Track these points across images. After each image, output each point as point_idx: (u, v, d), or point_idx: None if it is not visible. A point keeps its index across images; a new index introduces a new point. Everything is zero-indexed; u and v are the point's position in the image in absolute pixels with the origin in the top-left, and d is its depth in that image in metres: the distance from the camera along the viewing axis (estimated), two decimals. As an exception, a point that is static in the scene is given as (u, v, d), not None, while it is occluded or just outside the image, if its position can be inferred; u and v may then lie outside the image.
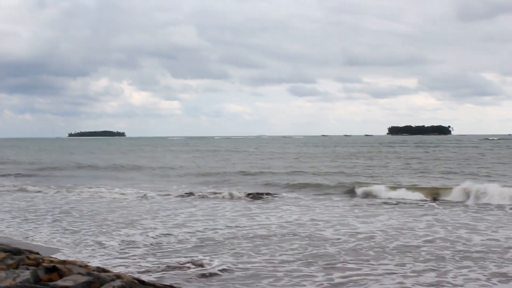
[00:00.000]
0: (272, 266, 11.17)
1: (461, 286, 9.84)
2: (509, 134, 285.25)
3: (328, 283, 9.96)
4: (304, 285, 9.85)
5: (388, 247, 13.06)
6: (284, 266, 11.17)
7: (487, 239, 13.88)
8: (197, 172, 38.00)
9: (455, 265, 11.24)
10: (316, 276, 10.40)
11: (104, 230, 15.45)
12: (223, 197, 23.65)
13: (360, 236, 14.47)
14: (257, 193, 24.34)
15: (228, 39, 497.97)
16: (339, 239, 14.09)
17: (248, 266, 11.19)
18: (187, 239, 14.11)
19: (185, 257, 11.96)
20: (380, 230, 15.26)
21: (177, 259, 11.70)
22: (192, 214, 18.67)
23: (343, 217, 17.87)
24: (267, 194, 24.24)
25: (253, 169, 40.36)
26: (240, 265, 11.23)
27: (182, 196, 24.33)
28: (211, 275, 10.45)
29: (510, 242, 13.56)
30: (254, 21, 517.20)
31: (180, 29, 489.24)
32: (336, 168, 40.45)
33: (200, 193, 24.97)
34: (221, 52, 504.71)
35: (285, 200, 22.80)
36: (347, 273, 10.69)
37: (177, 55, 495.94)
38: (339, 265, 11.34)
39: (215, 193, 24.86)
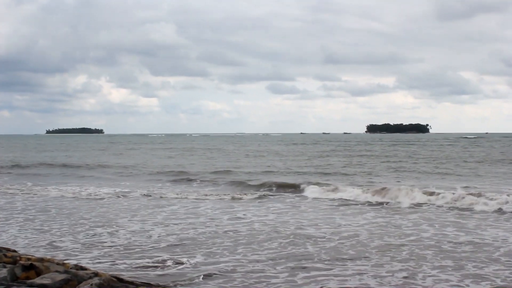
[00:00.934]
0: (234, 266, 10.95)
1: (427, 287, 9.75)
2: (486, 133, 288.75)
3: (287, 285, 9.78)
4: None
5: (369, 246, 13.07)
6: (249, 266, 10.97)
7: (473, 238, 13.96)
8: (176, 170, 37.62)
9: (432, 265, 11.14)
10: (277, 277, 10.22)
11: (78, 229, 15.27)
12: (204, 196, 23.51)
13: (344, 234, 14.48)
14: (240, 192, 24.43)
15: (207, 36, 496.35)
16: (323, 237, 14.07)
17: (210, 267, 10.91)
18: (164, 238, 14.05)
19: (150, 256, 11.90)
20: (365, 229, 15.30)
21: (141, 260, 11.59)
22: (173, 213, 18.64)
23: (330, 215, 17.97)
24: (249, 192, 24.32)
25: (230, 167, 40.26)
26: (203, 266, 10.98)
27: (162, 195, 24.18)
28: (165, 275, 10.29)
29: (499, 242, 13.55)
30: (234, 19, 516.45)
31: (159, 27, 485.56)
32: (314, 168, 40.66)
33: (181, 191, 25.03)
34: (200, 50, 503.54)
35: (269, 198, 22.84)
36: (314, 273, 10.47)
37: (156, 53, 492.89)
38: (310, 265, 11.16)
39: (195, 191, 24.87)
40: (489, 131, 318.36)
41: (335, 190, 24.19)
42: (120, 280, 7.63)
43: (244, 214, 18.23)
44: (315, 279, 10.15)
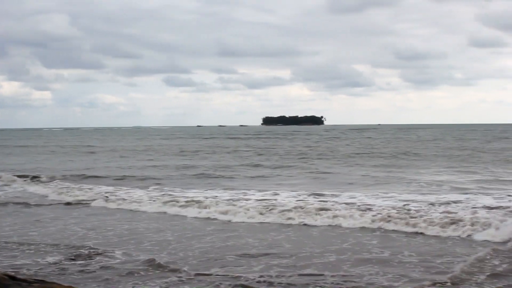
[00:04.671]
0: (145, 266, 10.54)
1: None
2: (379, 124, 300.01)
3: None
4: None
5: (312, 235, 13.27)
6: (141, 268, 10.47)
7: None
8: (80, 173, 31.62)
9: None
10: (161, 277, 9.83)
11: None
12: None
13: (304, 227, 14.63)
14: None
15: (101, 28, 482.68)
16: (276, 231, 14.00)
17: (114, 266, 10.61)
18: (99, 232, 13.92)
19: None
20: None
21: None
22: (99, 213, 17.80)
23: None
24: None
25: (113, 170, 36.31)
26: (101, 264, 10.67)
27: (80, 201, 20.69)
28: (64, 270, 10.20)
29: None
30: (128, 11, 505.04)
31: (51, 17, 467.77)
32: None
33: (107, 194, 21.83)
34: (94, 42, 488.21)
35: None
36: (213, 270, 10.14)
37: (48, 44, 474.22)
38: (223, 260, 10.88)
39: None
40: (381, 123, 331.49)
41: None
42: (12, 278, 7.63)
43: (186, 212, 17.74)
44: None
